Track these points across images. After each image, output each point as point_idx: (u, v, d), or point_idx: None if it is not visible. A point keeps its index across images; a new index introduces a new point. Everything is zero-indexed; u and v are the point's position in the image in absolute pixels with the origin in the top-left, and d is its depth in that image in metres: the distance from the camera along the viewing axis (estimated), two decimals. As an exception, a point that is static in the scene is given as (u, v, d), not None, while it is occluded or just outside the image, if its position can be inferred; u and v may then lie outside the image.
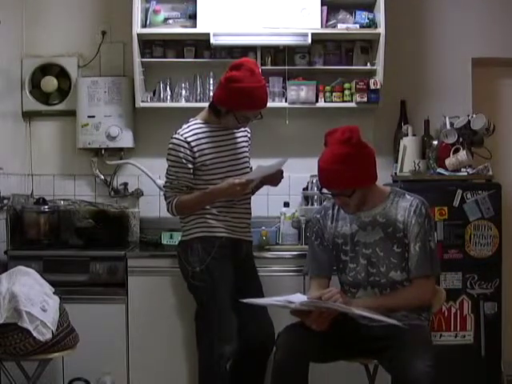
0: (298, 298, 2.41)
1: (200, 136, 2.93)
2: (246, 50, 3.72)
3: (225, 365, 2.90)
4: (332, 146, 2.44)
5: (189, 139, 2.91)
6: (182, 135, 2.92)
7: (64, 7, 3.91)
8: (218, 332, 2.87)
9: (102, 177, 3.90)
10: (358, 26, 3.67)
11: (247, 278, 3.03)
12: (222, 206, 2.95)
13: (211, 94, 3.74)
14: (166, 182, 2.99)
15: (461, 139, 3.52)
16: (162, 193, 3.74)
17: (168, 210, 2.98)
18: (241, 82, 2.81)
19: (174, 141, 2.93)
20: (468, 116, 3.57)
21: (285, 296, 2.44)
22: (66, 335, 2.84)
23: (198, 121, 2.99)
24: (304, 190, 3.81)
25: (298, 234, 3.69)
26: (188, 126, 2.96)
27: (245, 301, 2.45)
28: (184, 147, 2.90)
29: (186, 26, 3.67)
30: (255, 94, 2.84)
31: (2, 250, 3.46)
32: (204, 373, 2.97)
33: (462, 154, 3.46)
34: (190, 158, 2.91)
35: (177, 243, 3.15)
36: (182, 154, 2.90)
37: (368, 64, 3.74)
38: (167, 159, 2.96)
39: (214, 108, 2.95)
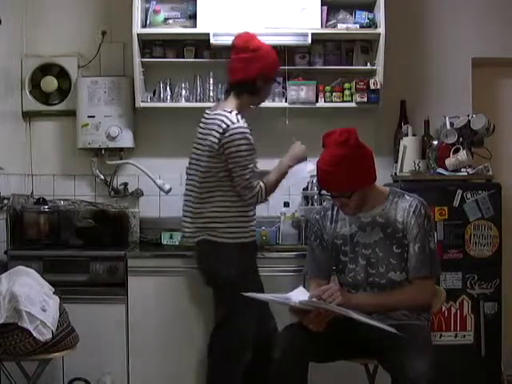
0: (300, 294, 2.41)
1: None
2: (246, 50, 3.73)
3: (242, 371, 2.91)
4: (330, 148, 2.44)
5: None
6: (243, 122, 2.89)
7: (64, 7, 3.91)
8: (244, 338, 2.86)
9: (102, 177, 3.90)
10: (357, 25, 3.67)
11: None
12: (251, 209, 2.99)
13: (211, 93, 3.75)
14: (248, 173, 2.88)
15: (461, 139, 3.52)
16: (162, 192, 3.78)
17: (258, 200, 2.93)
18: (265, 48, 2.98)
19: (241, 129, 2.87)
20: (468, 116, 3.56)
21: (287, 293, 2.44)
22: (66, 335, 2.84)
23: (236, 111, 2.94)
24: (304, 190, 3.81)
25: (298, 234, 3.68)
26: (236, 116, 2.90)
27: (246, 294, 2.45)
28: (250, 133, 2.89)
29: (186, 26, 3.67)
30: (275, 55, 3.04)
31: (2, 250, 3.45)
32: (221, 379, 2.95)
33: (462, 154, 3.46)
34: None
35: (196, 242, 3.02)
36: (251, 140, 2.89)
37: (368, 64, 3.74)
38: (240, 150, 2.86)
39: (248, 88, 2.94)
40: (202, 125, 3.04)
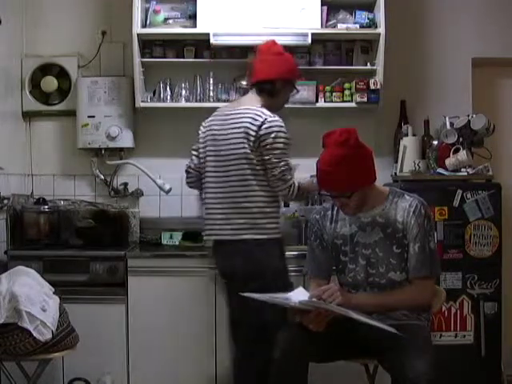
0: (300, 294, 2.41)
1: None
2: (245, 49, 3.72)
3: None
4: (330, 148, 2.44)
5: None
6: (278, 117, 2.90)
7: (64, 7, 3.91)
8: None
9: (102, 177, 3.90)
10: (357, 25, 3.67)
11: None
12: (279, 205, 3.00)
13: (211, 93, 3.75)
14: (283, 165, 2.87)
15: (461, 139, 3.52)
16: (162, 192, 3.78)
17: (289, 194, 2.91)
18: (287, 54, 3.05)
19: (279, 123, 2.88)
20: (468, 116, 3.56)
21: (287, 293, 2.43)
22: (66, 335, 2.84)
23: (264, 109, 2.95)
24: (304, 190, 3.80)
25: (298, 234, 3.68)
26: (267, 110, 2.91)
27: (245, 295, 2.45)
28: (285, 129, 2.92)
29: (186, 26, 3.67)
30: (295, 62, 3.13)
31: (2, 250, 3.46)
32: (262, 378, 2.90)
33: (462, 154, 3.46)
34: None
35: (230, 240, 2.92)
36: (288, 135, 2.90)
37: (368, 64, 3.75)
38: (277, 142, 2.85)
39: (268, 88, 2.96)
40: (222, 121, 2.97)
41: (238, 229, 2.89)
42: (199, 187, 3.10)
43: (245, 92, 3.16)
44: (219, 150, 2.96)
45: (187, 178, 3.17)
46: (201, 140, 3.07)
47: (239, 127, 2.90)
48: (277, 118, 2.90)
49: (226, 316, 3.04)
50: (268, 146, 2.85)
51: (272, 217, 2.91)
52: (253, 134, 2.85)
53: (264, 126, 2.85)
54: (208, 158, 3.01)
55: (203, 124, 3.09)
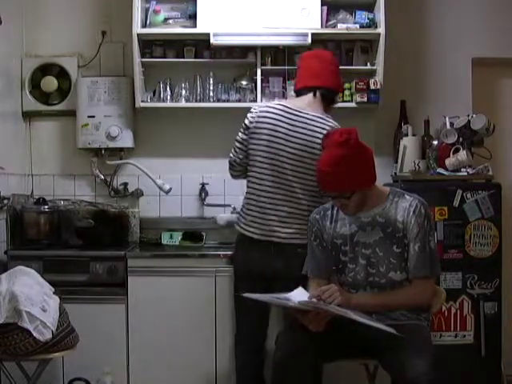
0: (299, 294, 2.41)
1: None
2: (245, 49, 3.73)
3: None
4: (330, 148, 2.45)
5: None
6: None
7: (64, 7, 3.91)
8: None
9: (102, 177, 3.90)
10: (357, 25, 3.67)
11: None
12: None
13: (211, 93, 3.75)
14: None
15: (461, 139, 3.52)
16: (162, 192, 3.79)
17: None
18: None
19: None
20: (468, 116, 3.56)
21: (287, 293, 2.43)
22: (66, 335, 2.84)
23: None
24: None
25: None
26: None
27: (245, 295, 2.45)
28: None
29: (186, 26, 3.66)
30: None
31: (2, 250, 3.45)
32: None
33: (462, 154, 3.46)
34: None
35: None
36: None
37: (368, 64, 3.75)
38: None
39: (333, 97, 3.03)
40: (289, 122, 2.89)
41: (295, 233, 2.87)
42: (242, 178, 3.05)
43: (307, 91, 3.02)
44: (281, 150, 2.87)
45: (232, 169, 3.06)
46: (256, 131, 2.92)
47: (313, 137, 2.85)
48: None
49: (249, 313, 2.97)
50: None
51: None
52: None
53: None
54: (262, 154, 2.90)
55: (254, 113, 2.95)
